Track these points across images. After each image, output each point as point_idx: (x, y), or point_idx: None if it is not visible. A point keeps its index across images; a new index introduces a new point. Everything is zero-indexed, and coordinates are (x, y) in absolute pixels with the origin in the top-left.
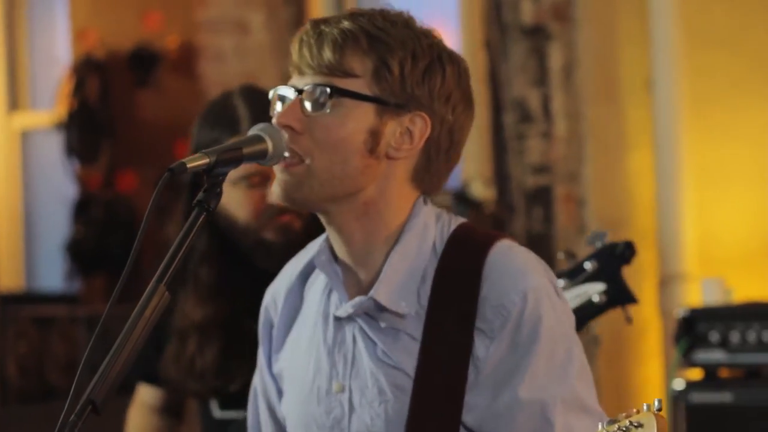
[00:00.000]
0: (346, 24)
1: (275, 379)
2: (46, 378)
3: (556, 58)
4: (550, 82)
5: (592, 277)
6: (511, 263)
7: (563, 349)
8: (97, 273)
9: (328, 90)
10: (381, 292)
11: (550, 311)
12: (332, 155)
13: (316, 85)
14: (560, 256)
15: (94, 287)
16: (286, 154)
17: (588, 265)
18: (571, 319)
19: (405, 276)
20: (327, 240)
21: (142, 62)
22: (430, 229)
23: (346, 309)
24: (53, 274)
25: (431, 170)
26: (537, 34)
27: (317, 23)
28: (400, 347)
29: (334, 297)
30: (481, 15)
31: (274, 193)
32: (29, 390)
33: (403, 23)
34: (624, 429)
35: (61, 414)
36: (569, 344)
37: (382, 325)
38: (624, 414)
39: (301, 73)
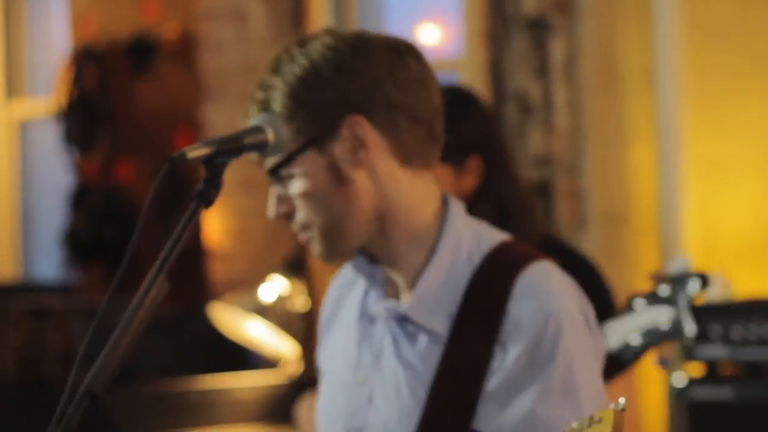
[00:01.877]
0: (250, 110)
1: (320, 373)
2: (43, 368)
3: (557, 50)
4: (551, 74)
5: (665, 302)
6: (541, 285)
7: (580, 376)
8: (95, 263)
9: (268, 172)
10: (413, 309)
11: (570, 336)
12: (320, 211)
13: (267, 176)
14: (649, 275)
15: (91, 277)
16: (301, 234)
17: (662, 291)
18: (595, 350)
19: (438, 291)
20: None
21: (141, 51)
22: (463, 240)
23: (378, 309)
24: (50, 264)
25: (406, 140)
26: (539, 26)
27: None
28: (422, 351)
29: (372, 294)
30: (483, 7)
31: (318, 258)
32: (25, 380)
33: (288, 59)
34: (585, 424)
35: (58, 405)
36: (587, 372)
37: (410, 329)
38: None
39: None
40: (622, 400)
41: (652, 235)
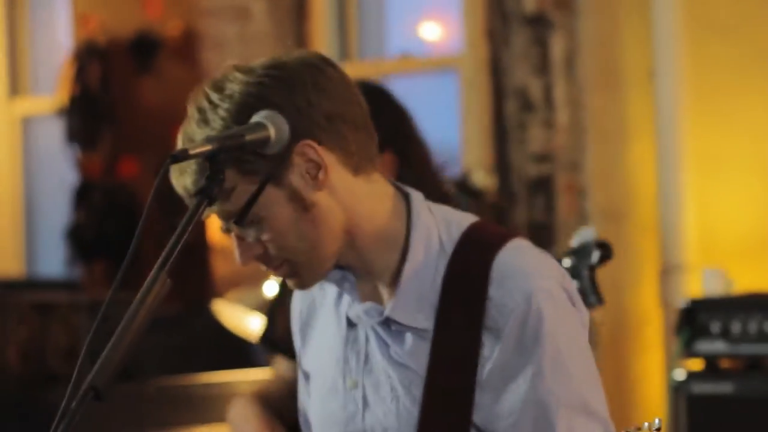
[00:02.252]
0: (186, 175)
1: (304, 375)
2: (47, 364)
3: (557, 47)
4: (551, 71)
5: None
6: (519, 264)
7: (568, 353)
8: (98, 259)
9: (234, 222)
10: (397, 312)
11: (553, 314)
12: (292, 243)
13: (227, 226)
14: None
15: (94, 273)
16: (274, 271)
17: (566, 262)
18: (581, 323)
19: (418, 288)
20: None
21: (144, 49)
22: (432, 229)
23: (357, 313)
24: (54, 261)
25: (354, 149)
26: (539, 23)
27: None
28: (410, 347)
29: (346, 297)
30: (483, 4)
31: (298, 289)
32: (30, 376)
33: (210, 107)
34: None
35: (62, 400)
36: (575, 348)
37: (393, 327)
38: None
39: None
40: (657, 421)
41: (652, 230)
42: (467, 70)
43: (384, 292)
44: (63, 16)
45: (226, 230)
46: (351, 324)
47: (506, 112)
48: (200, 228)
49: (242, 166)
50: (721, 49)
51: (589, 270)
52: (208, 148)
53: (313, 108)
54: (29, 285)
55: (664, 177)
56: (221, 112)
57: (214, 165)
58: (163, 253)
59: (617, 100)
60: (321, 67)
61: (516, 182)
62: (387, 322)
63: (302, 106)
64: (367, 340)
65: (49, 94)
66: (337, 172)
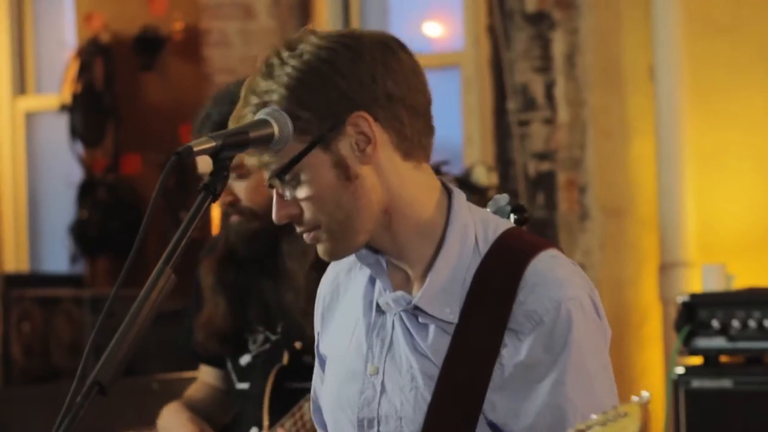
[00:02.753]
0: (245, 111)
1: (321, 359)
2: (51, 359)
3: (559, 45)
4: (553, 68)
5: None
6: (552, 273)
7: (592, 363)
8: (102, 255)
9: (276, 176)
10: (425, 300)
11: (582, 324)
12: (328, 211)
13: (269, 179)
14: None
15: (98, 269)
16: (307, 233)
17: None
18: (604, 337)
19: (448, 281)
20: None
21: (148, 46)
22: (469, 228)
23: (386, 301)
24: (58, 256)
25: (409, 134)
26: (540, 21)
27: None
28: (434, 340)
29: (379, 284)
30: (485, 2)
31: (324, 259)
32: (33, 371)
33: (279, 63)
34: (610, 417)
35: (67, 395)
36: (599, 359)
37: (420, 320)
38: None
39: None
40: (645, 394)
41: (652, 226)
42: (469, 67)
43: (415, 282)
44: (67, 13)
45: (270, 186)
46: (380, 311)
47: (508, 109)
48: (205, 223)
49: (297, 123)
50: (720, 47)
51: None
52: (212, 144)
53: (375, 84)
54: (33, 280)
55: (664, 174)
56: (288, 69)
57: (218, 161)
58: (168, 249)
59: (618, 98)
60: (394, 49)
61: (517, 179)
62: (414, 313)
63: (365, 80)
64: (393, 327)
65: (54, 91)
66: (386, 152)
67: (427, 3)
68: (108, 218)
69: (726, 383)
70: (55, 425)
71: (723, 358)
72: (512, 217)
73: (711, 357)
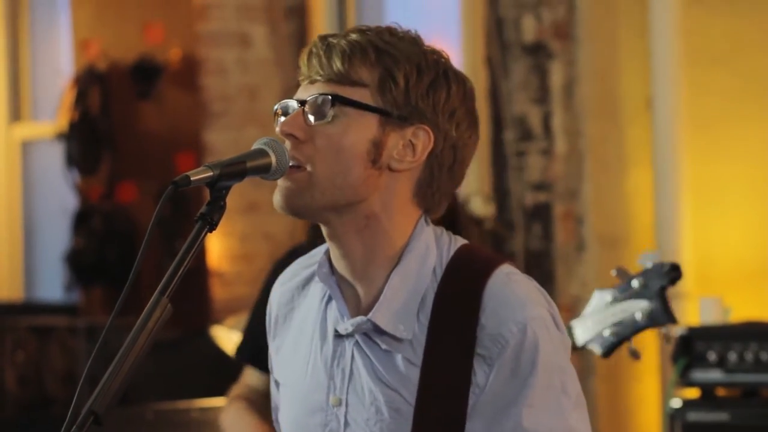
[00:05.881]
0: (354, 36)
1: (275, 380)
2: (45, 388)
3: (556, 75)
4: (550, 99)
5: (638, 295)
6: (511, 292)
7: (559, 381)
8: (97, 284)
9: (330, 99)
10: (380, 315)
11: (548, 343)
12: (334, 163)
13: (319, 95)
14: (612, 272)
15: (93, 298)
16: (291, 163)
17: (635, 283)
18: (567, 350)
19: (404, 299)
20: (327, 253)
21: (144, 74)
22: (431, 251)
23: (345, 327)
24: (53, 285)
25: (434, 186)
26: (538, 52)
27: (326, 37)
28: (398, 370)
29: (333, 309)
30: (482, 32)
31: (275, 201)
32: (28, 400)
33: (411, 40)
34: None
35: (61, 425)
36: (564, 376)
37: (382, 346)
38: None
39: (311, 82)
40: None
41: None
42: None
43: (369, 304)
44: (64, 41)
45: (301, 103)
46: (338, 340)
47: (505, 140)
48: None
49: (386, 83)
50: (718, 78)
51: (660, 290)
52: (210, 174)
53: (456, 125)
54: (28, 309)
55: (661, 205)
56: (416, 50)
57: (215, 191)
58: (165, 278)
59: (615, 129)
60: (474, 98)
61: (514, 210)
62: (373, 337)
63: (455, 115)
64: (353, 357)
65: (50, 119)
66: (409, 178)
67: (425, 33)
68: (103, 247)
69: (723, 416)
70: None
71: (720, 391)
72: (669, 274)
73: (708, 390)
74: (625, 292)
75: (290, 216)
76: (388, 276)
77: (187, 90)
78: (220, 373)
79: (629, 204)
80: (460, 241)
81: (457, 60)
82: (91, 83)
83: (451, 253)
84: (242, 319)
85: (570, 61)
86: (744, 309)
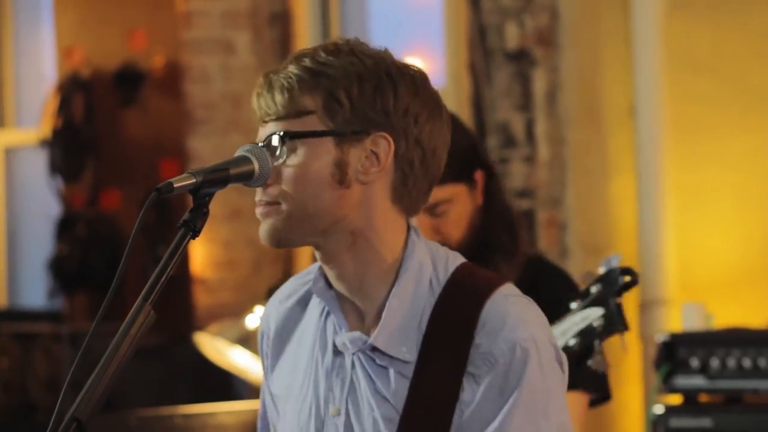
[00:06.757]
0: (291, 68)
1: (273, 397)
2: (28, 395)
3: (539, 83)
4: (533, 106)
5: (595, 302)
6: (507, 314)
7: (542, 405)
8: (80, 291)
9: (281, 136)
10: (381, 340)
11: (536, 365)
12: (303, 195)
13: (270, 135)
14: (581, 278)
15: (76, 305)
16: (267, 198)
17: (593, 289)
18: (559, 376)
19: (403, 320)
20: (321, 269)
21: (128, 81)
22: (425, 267)
23: (343, 341)
24: (36, 291)
25: (409, 185)
26: (521, 59)
27: (267, 73)
28: (392, 384)
29: (332, 321)
30: (465, 40)
31: (261, 237)
32: (11, 407)
33: (347, 51)
34: None
35: (44, 431)
36: (549, 401)
37: (378, 362)
38: None
39: (264, 123)
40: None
41: (632, 264)
42: (450, 104)
43: (369, 321)
44: (47, 48)
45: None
46: (336, 351)
47: (488, 147)
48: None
49: (332, 105)
50: (701, 86)
51: (615, 296)
52: (193, 180)
53: (415, 123)
54: (11, 315)
55: (644, 212)
56: (354, 60)
57: (198, 198)
58: (147, 285)
59: (598, 136)
60: (443, 105)
61: None
62: (372, 354)
63: (409, 113)
64: (353, 367)
65: (33, 125)
66: (383, 185)
67: (409, 40)
68: (87, 253)
69: (705, 422)
70: None
71: (702, 398)
72: (623, 279)
73: (690, 396)
74: (586, 299)
75: (281, 249)
76: (387, 294)
77: (171, 97)
78: (203, 380)
79: (612, 211)
80: (459, 259)
81: (440, 67)
82: (74, 90)
83: (450, 270)
84: (225, 325)
85: (553, 68)
86: (727, 315)
